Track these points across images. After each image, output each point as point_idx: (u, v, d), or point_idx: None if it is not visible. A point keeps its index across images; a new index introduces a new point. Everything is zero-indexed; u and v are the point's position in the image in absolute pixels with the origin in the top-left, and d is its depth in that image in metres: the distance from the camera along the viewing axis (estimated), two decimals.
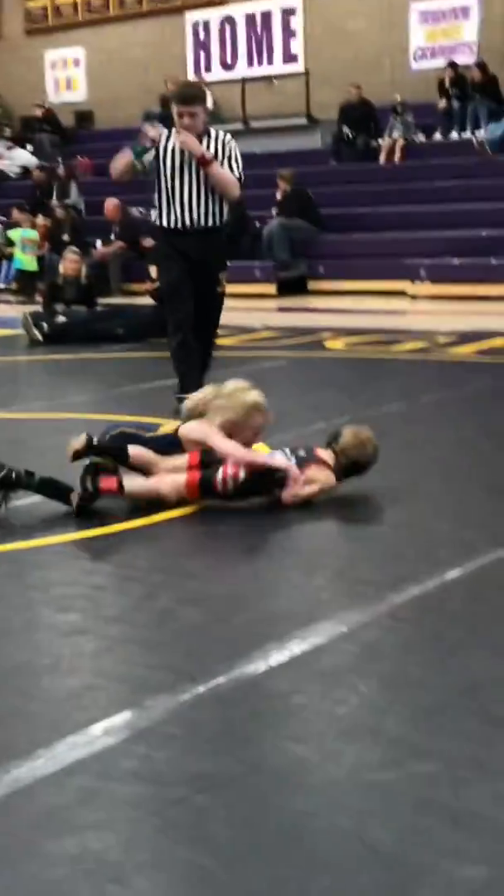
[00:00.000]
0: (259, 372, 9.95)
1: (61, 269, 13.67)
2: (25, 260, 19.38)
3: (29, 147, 23.85)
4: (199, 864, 2.58)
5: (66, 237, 18.94)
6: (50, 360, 11.82)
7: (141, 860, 2.60)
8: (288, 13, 21.82)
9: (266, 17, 22.05)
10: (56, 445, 7.32)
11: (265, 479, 5.47)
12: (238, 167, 7.51)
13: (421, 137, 19.45)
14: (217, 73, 22.59)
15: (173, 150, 7.46)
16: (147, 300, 14.25)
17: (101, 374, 10.80)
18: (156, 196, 7.64)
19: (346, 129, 19.68)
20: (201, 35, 23.04)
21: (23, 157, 23.40)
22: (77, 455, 5.51)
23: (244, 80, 21.64)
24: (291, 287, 17.35)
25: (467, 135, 18.70)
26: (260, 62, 21.90)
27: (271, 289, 17.23)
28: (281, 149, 19.84)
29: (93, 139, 24.12)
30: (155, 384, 9.62)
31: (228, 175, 7.43)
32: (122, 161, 7.66)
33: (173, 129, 7.44)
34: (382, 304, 15.58)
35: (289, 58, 21.76)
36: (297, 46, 21.80)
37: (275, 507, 5.47)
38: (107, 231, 18.71)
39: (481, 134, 18.31)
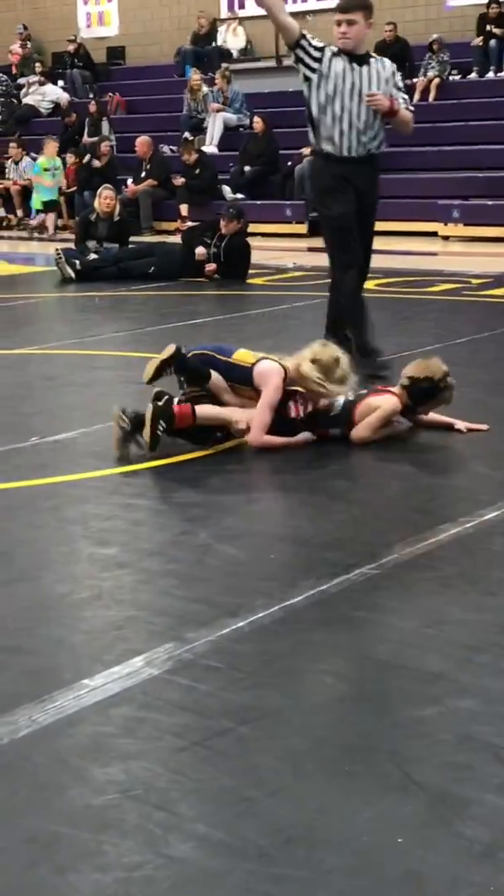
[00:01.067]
0: (289, 311, 9.95)
1: (96, 205, 13.60)
2: (46, 186, 19.13)
3: (60, 83, 23.70)
4: (243, 793, 2.62)
5: (98, 166, 18.88)
6: (82, 297, 11.81)
7: (186, 788, 2.64)
8: None
9: None
10: (90, 381, 7.38)
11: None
12: (407, 99, 7.22)
13: (456, 76, 19.22)
14: (250, 9, 22.20)
15: (343, 72, 6.90)
16: (177, 239, 14.23)
17: (133, 311, 10.79)
18: (317, 122, 7.00)
19: None
20: None
21: (54, 92, 23.25)
22: (160, 369, 5.49)
23: None
24: None
25: (503, 74, 18.47)
26: None
27: (302, 228, 17.09)
28: None
29: (124, 75, 23.93)
30: (186, 322, 9.61)
31: (408, 114, 7.10)
32: None
33: (330, 47, 6.95)
34: (414, 245, 15.46)
35: None
36: None
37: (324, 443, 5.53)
38: (137, 169, 18.61)
39: None
